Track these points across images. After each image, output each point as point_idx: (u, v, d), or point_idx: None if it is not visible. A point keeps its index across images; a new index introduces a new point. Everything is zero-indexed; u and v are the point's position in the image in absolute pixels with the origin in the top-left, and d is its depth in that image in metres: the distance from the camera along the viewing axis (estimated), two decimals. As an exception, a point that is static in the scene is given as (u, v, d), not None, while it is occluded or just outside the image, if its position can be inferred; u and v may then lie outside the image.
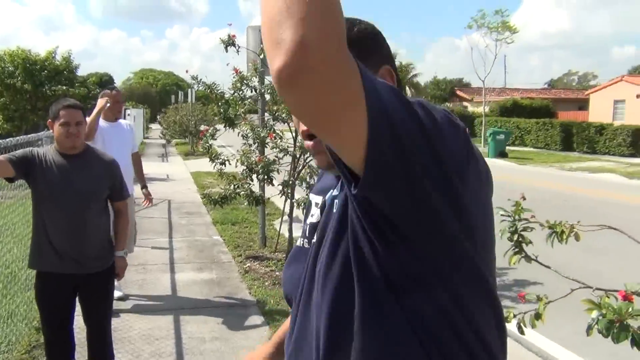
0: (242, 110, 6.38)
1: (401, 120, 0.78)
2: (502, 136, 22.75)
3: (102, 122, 4.75)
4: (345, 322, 0.95)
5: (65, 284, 3.05)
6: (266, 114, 6.48)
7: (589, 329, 1.65)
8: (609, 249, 6.71)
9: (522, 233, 2.15)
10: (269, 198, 6.93)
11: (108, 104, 4.72)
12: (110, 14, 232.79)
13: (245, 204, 6.50)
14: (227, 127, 6.37)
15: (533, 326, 2.06)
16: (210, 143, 6.44)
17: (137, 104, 38.23)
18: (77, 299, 3.18)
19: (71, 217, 2.97)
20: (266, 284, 5.61)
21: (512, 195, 2.35)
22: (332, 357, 0.98)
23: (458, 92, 47.03)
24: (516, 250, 2.15)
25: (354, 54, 1.00)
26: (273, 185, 6.22)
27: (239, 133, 6.46)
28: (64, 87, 20.10)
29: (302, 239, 1.21)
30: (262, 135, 6.16)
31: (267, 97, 6.44)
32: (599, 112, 31.79)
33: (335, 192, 1.13)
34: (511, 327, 2.17)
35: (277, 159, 6.10)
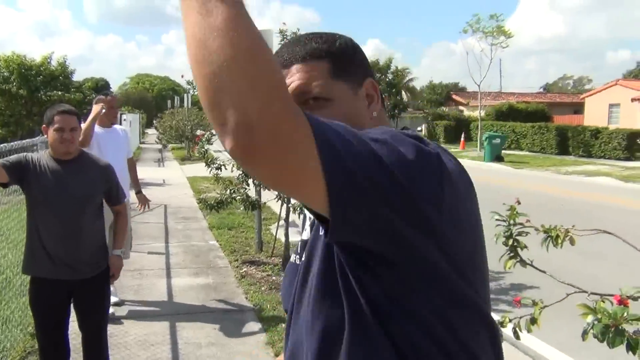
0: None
1: (358, 166, 0.77)
2: (498, 140, 22.77)
3: (97, 128, 4.71)
4: (333, 344, 0.95)
5: (59, 290, 3.04)
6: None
7: (585, 333, 1.65)
8: (605, 252, 6.72)
9: (517, 237, 2.15)
10: (265, 203, 6.92)
11: (103, 110, 4.67)
12: (106, 19, 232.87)
13: (242, 208, 6.50)
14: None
15: (529, 331, 2.06)
16: (206, 148, 6.44)
17: (133, 109, 38.21)
18: (72, 304, 3.17)
19: (65, 222, 2.96)
20: (262, 288, 5.59)
21: (508, 200, 2.35)
22: None
23: (454, 97, 47.12)
24: (511, 254, 2.15)
25: (339, 67, 1.00)
26: (269, 189, 6.21)
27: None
28: (60, 93, 20.09)
29: (294, 255, 1.21)
30: None
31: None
32: (594, 116, 31.93)
33: None
34: (507, 331, 2.17)
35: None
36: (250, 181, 6.16)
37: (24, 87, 19.88)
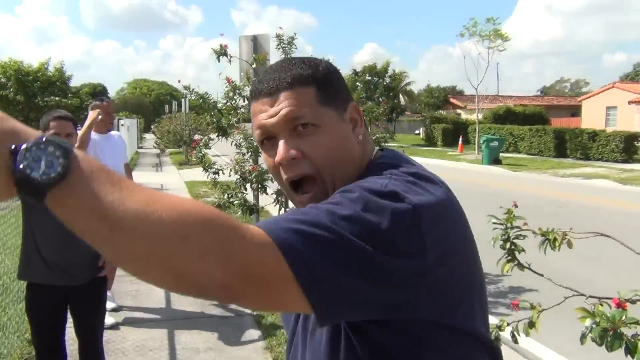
0: (235, 119, 6.37)
1: (330, 262, 0.79)
2: (495, 143, 22.79)
3: (93, 134, 4.65)
4: None
5: (55, 295, 3.02)
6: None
7: (583, 337, 1.64)
8: (603, 255, 6.72)
9: (515, 241, 2.14)
10: (263, 207, 6.91)
11: (100, 116, 4.60)
12: (104, 25, 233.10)
13: (240, 213, 6.47)
14: (220, 137, 6.36)
15: (527, 334, 2.05)
16: (203, 152, 6.42)
17: (130, 114, 38.21)
18: (68, 310, 3.15)
19: (61, 227, 2.90)
20: (261, 293, 5.57)
21: (506, 203, 2.35)
22: None
23: (451, 100, 47.21)
24: (509, 258, 2.15)
25: (325, 93, 1.01)
26: (267, 194, 6.19)
27: (232, 142, 6.45)
28: (57, 98, 20.11)
29: None
30: (255, 144, 6.15)
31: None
32: (591, 118, 32.00)
33: None
34: (505, 335, 2.16)
35: (270, 167, 6.07)
36: (248, 186, 6.14)
37: (21, 93, 19.89)
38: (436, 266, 0.87)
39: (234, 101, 6.31)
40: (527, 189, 14.34)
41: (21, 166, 0.64)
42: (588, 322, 1.64)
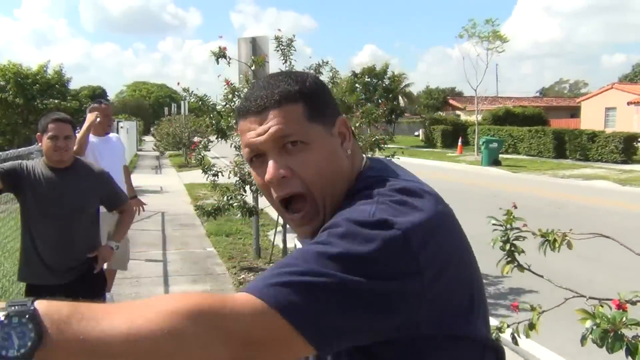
0: (235, 121, 6.37)
1: (326, 309, 0.80)
2: (495, 144, 22.79)
3: (92, 137, 4.62)
4: None
5: (53, 296, 3.01)
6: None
7: (583, 339, 1.64)
8: (603, 256, 6.71)
9: (514, 242, 2.14)
10: (262, 209, 6.90)
11: (98, 119, 4.58)
12: (103, 27, 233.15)
13: (239, 215, 6.47)
14: (220, 139, 6.36)
15: (527, 336, 2.04)
16: (202, 155, 6.42)
17: (130, 116, 38.20)
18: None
19: (60, 230, 2.95)
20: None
21: (506, 204, 2.34)
22: None
23: (451, 101, 47.23)
24: (509, 259, 2.14)
25: (313, 109, 1.00)
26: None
27: (231, 144, 6.45)
28: (56, 101, 20.05)
29: None
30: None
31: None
32: (590, 119, 32.01)
33: None
34: (506, 336, 2.16)
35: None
36: (247, 188, 6.14)
37: (20, 95, 19.84)
38: (433, 282, 0.87)
39: (233, 103, 6.31)
40: (527, 190, 14.34)
41: None
42: (588, 323, 1.63)
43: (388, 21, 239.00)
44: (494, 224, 2.12)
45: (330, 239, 0.86)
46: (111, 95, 75.97)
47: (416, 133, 46.34)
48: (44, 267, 2.96)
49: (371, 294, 0.82)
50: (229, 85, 6.27)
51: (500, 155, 23.32)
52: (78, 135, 4.13)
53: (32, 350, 0.65)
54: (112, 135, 5.14)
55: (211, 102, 6.39)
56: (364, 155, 1.11)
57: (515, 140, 28.66)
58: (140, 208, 5.51)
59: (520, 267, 2.15)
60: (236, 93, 6.27)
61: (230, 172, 6.18)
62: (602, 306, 1.72)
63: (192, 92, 6.45)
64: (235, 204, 6.14)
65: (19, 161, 3.10)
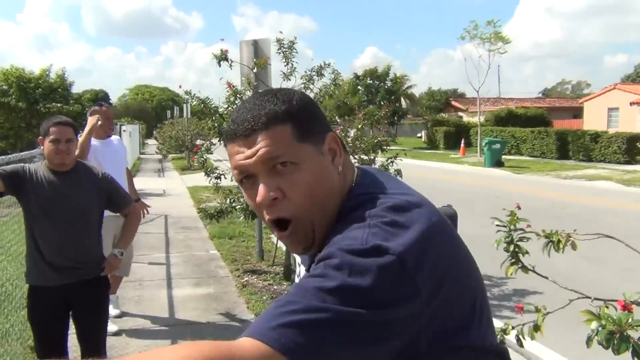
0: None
1: (328, 341, 0.81)
2: (497, 146, 22.77)
3: (93, 140, 4.57)
4: None
5: (57, 297, 3.01)
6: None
7: (589, 340, 1.63)
8: (607, 257, 6.69)
9: (519, 243, 2.13)
10: (265, 212, 6.89)
11: (99, 122, 4.55)
12: (105, 31, 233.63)
13: (242, 217, 6.47)
14: (222, 141, 6.36)
15: (532, 338, 2.03)
16: (205, 157, 6.42)
17: (132, 119, 38.27)
18: (70, 317, 3.14)
19: (62, 233, 2.95)
20: (264, 298, 5.56)
21: (509, 205, 2.34)
22: None
23: (453, 103, 47.19)
24: (513, 260, 2.13)
25: (301, 129, 1.00)
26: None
27: (234, 147, 6.44)
28: (59, 105, 20.08)
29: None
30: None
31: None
32: (593, 120, 31.95)
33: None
34: (510, 338, 2.14)
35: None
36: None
37: (22, 99, 19.88)
38: (431, 299, 0.88)
39: (235, 106, 6.31)
40: (530, 191, 14.32)
41: None
42: (594, 325, 1.62)
43: (389, 23, 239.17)
44: (497, 225, 2.12)
45: (326, 271, 0.86)
46: (114, 99, 76.23)
47: (419, 135, 46.32)
48: (48, 268, 2.97)
49: (372, 325, 0.83)
50: (231, 87, 6.27)
51: (503, 157, 23.31)
52: (80, 140, 4.11)
53: None
54: (113, 137, 5.11)
55: (213, 105, 6.39)
56: (355, 168, 1.10)
57: (518, 142, 28.63)
58: (145, 211, 5.50)
59: (525, 269, 2.14)
60: (238, 96, 6.27)
61: (232, 174, 6.17)
62: (607, 307, 1.71)
63: (195, 95, 6.46)
64: (238, 206, 6.14)
65: (21, 164, 3.10)
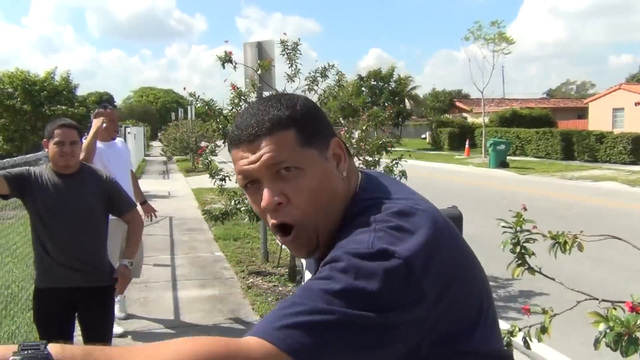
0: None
1: (334, 342, 0.81)
2: (502, 146, 22.71)
3: (98, 143, 4.54)
4: None
5: (63, 299, 3.02)
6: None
7: (597, 342, 1.62)
8: (613, 258, 6.66)
9: (525, 245, 2.12)
10: (270, 213, 6.89)
11: (104, 124, 4.51)
12: (109, 34, 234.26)
13: (247, 219, 6.47)
14: (226, 144, 6.36)
15: (539, 340, 2.02)
16: (210, 159, 6.43)
17: (137, 121, 38.36)
18: (76, 319, 3.15)
19: (68, 235, 2.96)
20: (269, 299, 5.56)
21: (514, 206, 2.32)
22: None
23: (457, 103, 47.12)
24: (519, 262, 2.12)
25: (305, 134, 1.00)
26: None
27: (238, 148, 6.45)
28: (64, 107, 20.18)
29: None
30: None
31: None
32: (598, 120, 31.84)
33: None
34: (517, 340, 2.13)
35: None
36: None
37: (28, 102, 20.00)
38: (437, 304, 0.88)
39: (239, 107, 6.31)
40: (535, 192, 14.27)
41: None
42: (602, 326, 1.61)
43: (393, 25, 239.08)
44: (503, 227, 2.10)
45: (332, 274, 0.86)
46: (118, 101, 76.43)
47: (423, 136, 46.30)
48: (54, 270, 2.98)
49: (378, 328, 0.83)
50: (235, 89, 6.28)
51: (508, 157, 23.23)
52: (85, 142, 4.10)
53: None
54: (117, 140, 5.10)
55: (218, 107, 6.40)
56: (359, 173, 1.10)
57: (522, 142, 28.56)
58: (153, 215, 5.50)
59: (531, 270, 2.13)
60: (242, 97, 6.28)
61: (237, 179, 6.17)
62: (615, 309, 1.70)
63: (199, 97, 6.47)
64: (243, 208, 6.14)
65: (26, 167, 3.11)
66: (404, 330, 0.85)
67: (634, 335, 1.57)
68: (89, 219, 3.04)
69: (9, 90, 20.22)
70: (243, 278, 6.38)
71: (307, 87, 6.25)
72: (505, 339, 1.91)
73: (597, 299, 1.89)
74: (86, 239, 3.02)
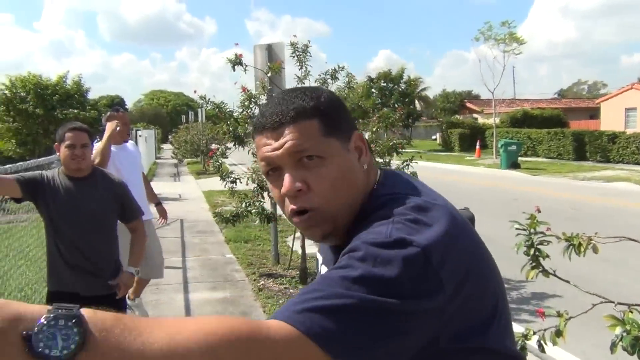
0: (252, 127, 6.38)
1: (353, 326, 0.81)
2: (513, 147, 22.57)
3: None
4: None
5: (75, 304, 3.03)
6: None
7: (613, 346, 1.59)
8: (628, 260, 6.60)
9: (539, 247, 2.10)
10: (280, 215, 6.89)
11: (118, 128, 4.43)
12: (120, 38, 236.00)
13: (257, 221, 6.47)
14: (237, 145, 6.38)
15: (554, 343, 2.00)
16: (220, 162, 6.44)
17: (148, 124, 38.56)
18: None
19: (80, 238, 2.97)
20: (280, 302, 5.55)
21: (526, 207, 2.30)
22: None
23: (467, 104, 46.96)
24: (533, 264, 2.10)
25: (328, 124, 1.02)
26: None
27: (249, 151, 6.46)
28: (75, 111, 20.33)
29: None
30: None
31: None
32: (610, 120, 31.58)
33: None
34: (531, 343, 2.11)
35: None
36: (265, 194, 6.14)
37: (40, 106, 20.16)
38: (454, 296, 0.88)
39: (250, 110, 6.32)
40: (547, 193, 14.17)
41: (39, 349, 0.65)
42: (618, 330, 1.59)
43: (403, 26, 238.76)
44: (517, 229, 2.08)
45: (350, 262, 0.87)
46: (129, 104, 76.78)
47: (433, 137, 46.15)
48: (67, 273, 3.00)
49: (397, 314, 0.83)
50: (245, 92, 6.29)
51: (519, 158, 23.09)
52: (100, 146, 4.09)
53: (74, 353, 0.67)
54: (128, 143, 5.09)
55: (228, 109, 6.41)
56: (378, 170, 1.12)
57: (534, 143, 28.38)
58: (164, 220, 5.53)
59: (545, 272, 2.10)
60: (253, 100, 6.28)
61: (248, 178, 6.18)
62: (631, 312, 1.67)
63: (209, 99, 6.48)
64: (254, 210, 6.14)
65: (39, 171, 3.13)
66: (422, 319, 0.85)
67: (651, 339, 1.55)
68: (101, 222, 3.06)
69: (22, 94, 20.40)
70: (254, 280, 6.38)
71: (317, 89, 6.24)
72: (519, 342, 1.90)
73: (612, 302, 1.87)
74: (97, 242, 3.04)
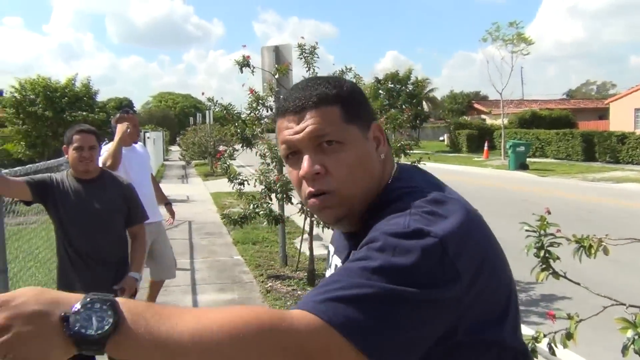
0: (259, 129, 6.39)
1: (374, 315, 0.82)
2: (522, 148, 22.46)
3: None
4: None
5: None
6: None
7: (625, 349, 1.58)
8: (637, 261, 6.54)
9: (549, 249, 2.08)
10: (288, 217, 6.90)
11: (129, 130, 4.39)
12: (128, 40, 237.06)
13: (265, 223, 6.47)
14: (245, 147, 6.38)
15: (565, 346, 1.98)
16: (228, 163, 6.44)
17: (156, 126, 38.70)
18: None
19: (89, 240, 2.98)
20: (288, 303, 5.55)
21: (535, 208, 2.29)
22: None
23: (475, 105, 46.81)
24: (543, 266, 2.09)
25: (349, 112, 1.05)
26: (292, 203, 6.18)
27: (256, 152, 6.46)
28: (84, 113, 20.41)
29: None
30: (279, 154, 6.14)
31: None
32: (619, 120, 31.39)
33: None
34: (542, 346, 2.10)
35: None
36: (273, 196, 6.14)
37: (49, 108, 20.26)
38: (470, 287, 0.90)
39: (257, 111, 6.33)
40: (556, 194, 14.09)
41: (76, 328, 0.71)
42: (630, 333, 1.57)
43: (410, 27, 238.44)
44: (527, 230, 2.07)
45: (369, 254, 0.89)
46: (137, 106, 77.15)
47: (441, 138, 46.01)
48: (77, 275, 3.00)
49: (416, 302, 0.84)
50: (253, 93, 6.29)
51: (528, 159, 22.97)
52: (111, 148, 4.08)
53: (108, 334, 0.72)
54: (137, 144, 5.08)
55: (236, 111, 6.42)
56: (395, 164, 1.14)
57: (542, 144, 28.24)
58: (171, 220, 5.53)
59: (556, 274, 2.09)
60: (260, 101, 6.28)
61: (255, 180, 6.18)
62: (643, 314, 1.65)
63: (217, 101, 6.49)
64: (262, 212, 6.14)
65: (49, 174, 3.15)
66: (440, 308, 0.86)
67: (664, 342, 1.53)
68: (109, 223, 3.07)
69: (31, 97, 20.52)
70: (262, 282, 6.38)
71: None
72: (529, 345, 1.88)
73: (624, 304, 1.85)
74: (106, 244, 3.05)
